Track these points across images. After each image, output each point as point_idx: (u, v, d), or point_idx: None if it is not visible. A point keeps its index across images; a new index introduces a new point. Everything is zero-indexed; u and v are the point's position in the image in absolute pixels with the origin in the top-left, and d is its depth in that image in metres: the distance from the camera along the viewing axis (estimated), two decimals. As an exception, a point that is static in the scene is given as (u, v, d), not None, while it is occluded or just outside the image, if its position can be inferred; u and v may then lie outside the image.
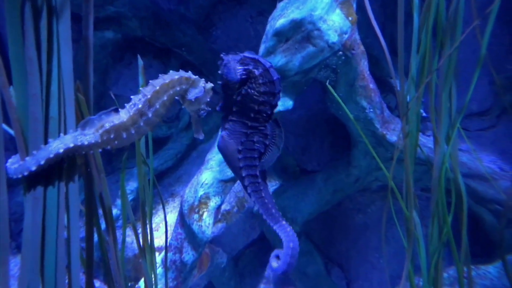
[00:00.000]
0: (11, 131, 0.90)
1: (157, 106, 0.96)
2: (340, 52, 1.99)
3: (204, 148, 3.41)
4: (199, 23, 2.99)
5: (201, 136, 1.15)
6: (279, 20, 1.93)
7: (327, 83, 1.74)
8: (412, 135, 1.29)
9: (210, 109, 1.14)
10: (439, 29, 1.18)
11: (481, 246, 2.38)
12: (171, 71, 1.03)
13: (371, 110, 2.14)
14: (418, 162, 1.79)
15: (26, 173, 0.82)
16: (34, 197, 0.85)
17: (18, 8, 0.77)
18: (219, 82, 1.15)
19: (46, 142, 0.85)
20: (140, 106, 0.92)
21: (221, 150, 1.20)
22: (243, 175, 1.17)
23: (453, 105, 1.27)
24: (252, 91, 1.11)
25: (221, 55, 1.13)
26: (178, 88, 1.02)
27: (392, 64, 2.43)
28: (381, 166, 1.39)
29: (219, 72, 1.13)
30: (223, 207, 2.80)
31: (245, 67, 1.12)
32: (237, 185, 3.24)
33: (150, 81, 0.97)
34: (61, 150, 0.83)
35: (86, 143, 0.87)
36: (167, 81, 0.97)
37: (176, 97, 1.04)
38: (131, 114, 0.92)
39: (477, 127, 2.57)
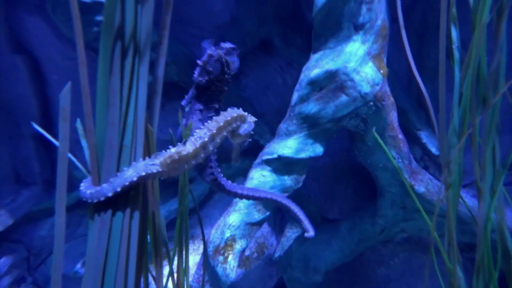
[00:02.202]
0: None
1: (218, 140, 1.04)
2: (371, 103, 2.07)
3: (225, 192, 3.42)
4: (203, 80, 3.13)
5: (237, 163, 1.29)
6: (313, 70, 2.03)
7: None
8: (455, 186, 1.31)
9: (251, 139, 1.24)
10: (481, 82, 1.24)
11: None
12: (229, 109, 1.11)
13: (400, 160, 2.18)
14: (442, 214, 1.78)
15: (102, 199, 0.87)
16: (102, 220, 0.89)
17: (110, 46, 0.86)
18: (203, 79, 1.29)
19: (118, 169, 0.91)
20: (206, 139, 0.99)
21: None
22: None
23: (497, 158, 1.30)
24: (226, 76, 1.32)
25: (210, 52, 1.29)
26: (234, 125, 1.10)
27: (419, 117, 2.50)
28: (425, 217, 1.38)
29: (210, 68, 1.29)
30: (242, 252, 2.78)
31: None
32: (258, 230, 3.23)
33: (213, 117, 1.05)
34: (135, 178, 0.88)
35: (155, 171, 0.92)
36: (228, 118, 1.05)
37: None
38: (197, 146, 0.98)
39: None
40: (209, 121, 1.05)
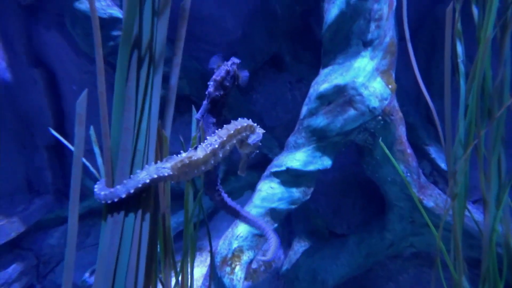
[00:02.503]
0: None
1: (227, 148, 1.07)
2: (380, 117, 2.09)
3: (234, 205, 3.44)
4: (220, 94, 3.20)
5: (243, 174, 1.33)
6: (323, 84, 2.07)
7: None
8: (461, 196, 1.32)
9: (258, 151, 1.28)
10: (486, 95, 1.26)
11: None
12: (239, 118, 1.16)
13: (408, 174, 2.18)
14: (450, 229, 1.78)
15: (116, 200, 0.90)
16: (114, 221, 0.92)
17: (127, 55, 0.91)
18: (219, 93, 1.31)
19: (131, 172, 0.94)
20: (216, 146, 1.02)
21: None
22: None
23: (503, 169, 1.31)
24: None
25: (228, 68, 1.33)
26: (244, 134, 1.14)
27: (428, 132, 2.51)
28: (433, 230, 1.39)
29: (227, 83, 1.32)
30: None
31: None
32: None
33: (224, 125, 1.09)
34: (148, 180, 0.92)
35: (166, 174, 0.95)
36: (238, 127, 1.09)
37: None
38: (207, 152, 1.01)
39: None
40: (219, 129, 1.08)
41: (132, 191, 0.90)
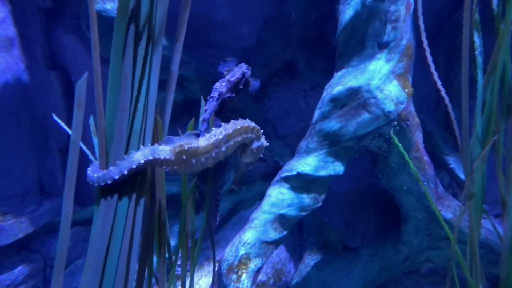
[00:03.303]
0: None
1: (232, 143, 1.02)
2: (395, 122, 2.01)
3: (245, 215, 3.38)
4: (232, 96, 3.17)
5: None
6: (336, 87, 2.01)
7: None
8: (478, 197, 1.23)
9: (256, 164, 1.23)
10: (506, 88, 1.18)
11: None
12: (247, 119, 1.10)
13: (425, 183, 2.08)
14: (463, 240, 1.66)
15: (109, 182, 0.85)
16: (107, 204, 0.87)
17: (123, 30, 0.88)
18: (231, 95, 1.27)
19: (127, 154, 0.90)
20: (220, 137, 0.97)
21: None
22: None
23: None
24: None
25: (244, 71, 1.27)
26: (250, 135, 1.08)
27: (447, 141, 2.40)
28: (449, 233, 1.29)
29: (240, 86, 1.29)
30: (259, 277, 2.69)
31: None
32: (275, 256, 3.13)
33: (232, 120, 1.04)
34: (142, 162, 0.87)
35: (162, 157, 0.91)
36: (246, 124, 1.04)
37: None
38: (210, 142, 0.96)
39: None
40: (226, 124, 1.03)
41: (126, 172, 0.86)
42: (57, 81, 3.02)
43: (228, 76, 1.33)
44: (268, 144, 1.20)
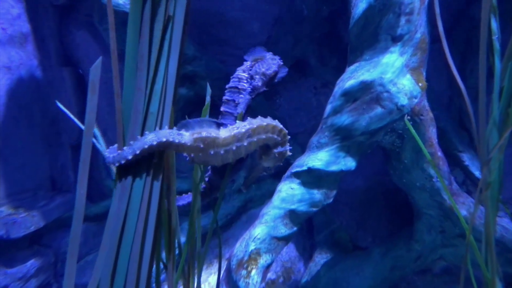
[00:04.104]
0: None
1: (254, 139, 0.98)
2: (408, 117, 1.99)
3: (254, 213, 3.36)
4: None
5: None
6: (348, 81, 2.00)
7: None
8: (494, 187, 1.20)
9: (273, 171, 1.18)
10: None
11: None
12: (276, 120, 1.07)
13: (439, 179, 2.05)
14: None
15: (123, 162, 0.85)
16: (122, 185, 0.87)
17: (140, 7, 0.87)
18: (264, 89, 1.22)
19: (142, 134, 0.90)
20: (243, 130, 0.95)
21: None
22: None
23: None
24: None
25: (280, 63, 1.21)
26: (276, 137, 1.04)
27: (461, 138, 2.37)
28: (465, 226, 1.26)
29: (275, 80, 1.21)
30: (268, 275, 2.67)
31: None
32: (285, 254, 3.10)
33: (259, 116, 1.01)
34: (155, 143, 0.86)
35: (177, 141, 0.90)
36: (273, 124, 1.01)
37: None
38: (232, 134, 0.94)
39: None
40: (252, 118, 1.00)
41: (138, 152, 0.85)
42: (69, 78, 3.04)
43: (264, 69, 1.26)
44: (291, 153, 1.14)
